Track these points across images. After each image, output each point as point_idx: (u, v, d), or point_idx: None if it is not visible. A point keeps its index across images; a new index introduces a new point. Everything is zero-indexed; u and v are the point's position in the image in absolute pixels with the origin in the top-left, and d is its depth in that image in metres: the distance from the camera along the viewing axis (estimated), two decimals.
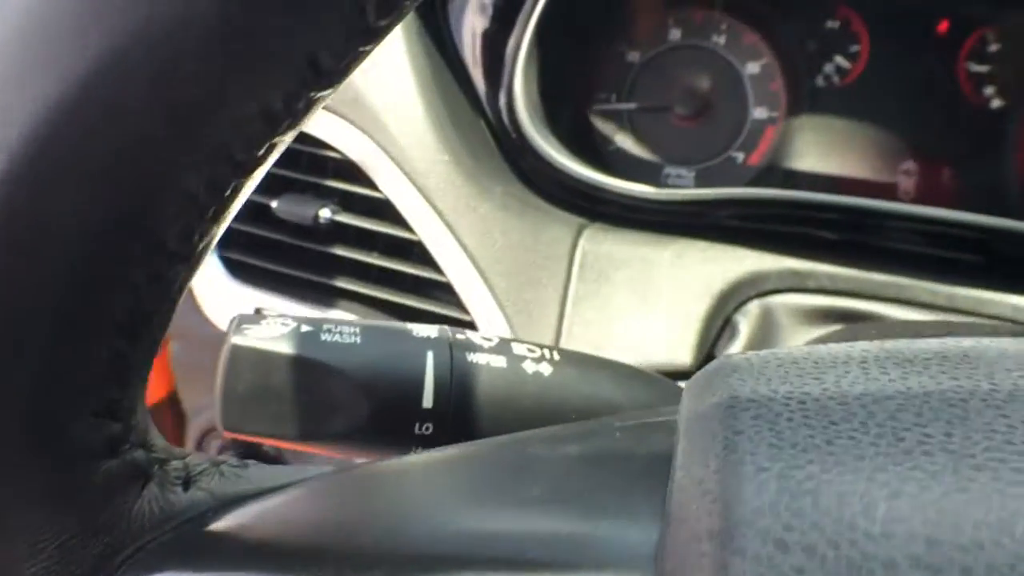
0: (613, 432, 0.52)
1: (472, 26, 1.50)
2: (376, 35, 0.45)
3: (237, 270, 1.62)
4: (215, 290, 1.61)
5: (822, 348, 0.45)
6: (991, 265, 1.45)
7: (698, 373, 0.48)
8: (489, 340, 0.80)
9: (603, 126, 1.73)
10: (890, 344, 0.44)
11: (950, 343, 0.44)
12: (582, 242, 1.37)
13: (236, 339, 0.72)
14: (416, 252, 1.45)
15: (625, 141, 1.72)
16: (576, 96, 1.69)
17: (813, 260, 1.36)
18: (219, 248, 1.61)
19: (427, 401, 0.74)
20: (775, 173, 1.71)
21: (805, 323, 1.34)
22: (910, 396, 0.39)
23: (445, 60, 1.51)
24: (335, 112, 1.46)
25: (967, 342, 0.45)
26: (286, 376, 0.71)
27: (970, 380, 0.40)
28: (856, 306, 1.35)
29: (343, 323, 0.76)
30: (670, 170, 1.72)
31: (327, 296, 1.54)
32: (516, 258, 1.36)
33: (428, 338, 0.77)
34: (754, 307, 1.34)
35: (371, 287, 1.49)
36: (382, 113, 1.43)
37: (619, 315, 1.32)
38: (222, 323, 1.62)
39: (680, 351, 1.29)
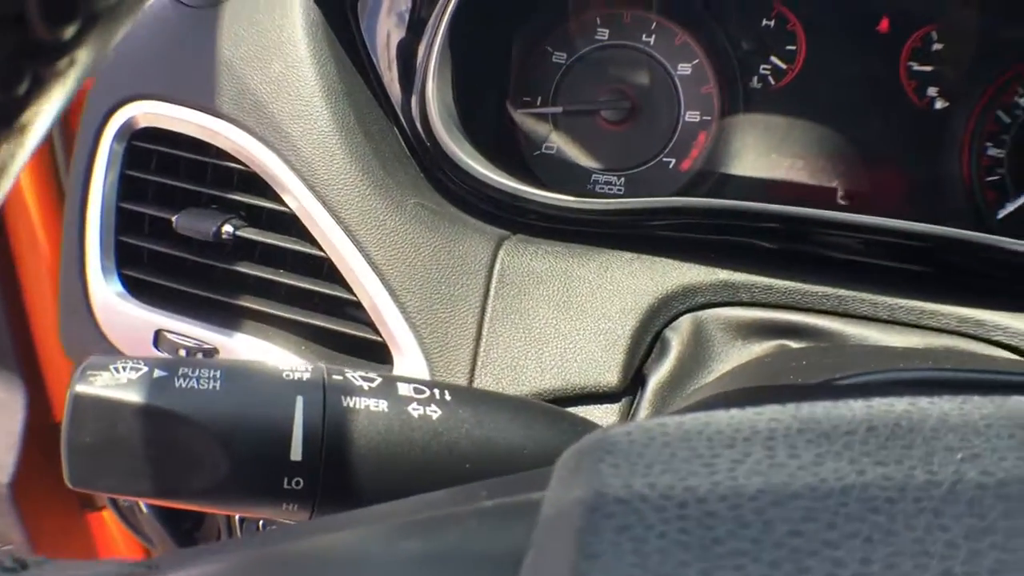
0: (470, 516, 0.43)
1: (385, 29, 1.43)
2: (54, 52, 0.37)
3: (138, 290, 1.52)
4: (115, 312, 1.52)
5: (722, 418, 0.36)
6: (935, 275, 1.39)
7: (571, 449, 0.39)
8: (370, 380, 0.72)
9: (528, 130, 1.66)
10: (806, 412, 0.35)
11: (879, 408, 0.36)
12: (501, 255, 1.29)
13: (79, 387, 0.65)
14: (326, 269, 1.37)
15: (551, 146, 1.65)
16: (498, 100, 1.62)
17: (748, 271, 1.30)
18: (119, 266, 1.51)
19: (296, 453, 0.66)
20: (708, 179, 1.64)
21: (740, 338, 1.28)
22: (822, 495, 0.30)
23: (356, 66, 1.43)
24: (236, 122, 1.38)
25: (900, 405, 0.36)
26: (136, 427, 0.64)
27: (901, 467, 0.31)
28: (794, 319, 1.28)
29: (204, 364, 0.68)
30: (598, 176, 1.65)
31: (232, 317, 1.45)
32: (429, 274, 1.28)
33: (299, 380, 0.69)
34: (686, 322, 1.27)
35: (278, 307, 1.41)
36: (286, 122, 1.35)
37: (540, 334, 1.24)
38: (125, 346, 1.53)
39: (607, 371, 1.22)
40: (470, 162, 1.36)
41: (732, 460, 0.33)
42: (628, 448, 0.35)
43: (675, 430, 0.36)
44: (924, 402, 0.37)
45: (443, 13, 1.36)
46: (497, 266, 1.28)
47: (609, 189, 1.64)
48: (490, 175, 1.36)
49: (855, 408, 0.36)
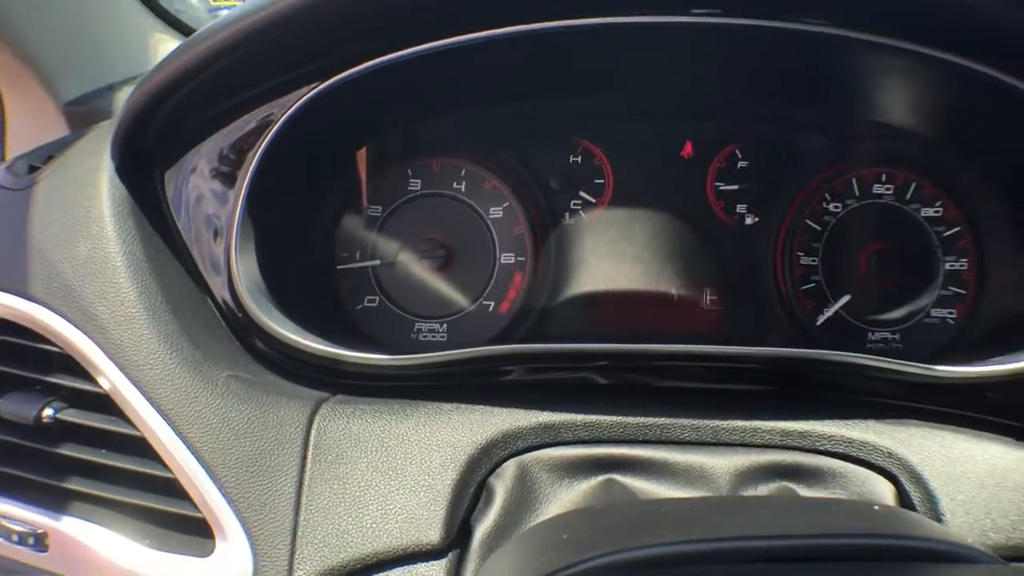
0: None
1: (191, 202, 1.43)
2: None
3: None
4: None
5: None
6: (758, 392, 1.43)
7: None
8: None
9: (349, 285, 1.67)
10: None
11: None
12: (317, 421, 1.29)
13: None
14: (149, 447, 1.35)
15: (373, 299, 1.66)
16: (316, 259, 1.62)
17: (569, 410, 1.31)
18: None
19: None
20: (528, 318, 1.67)
21: (567, 477, 1.29)
22: None
23: (165, 240, 1.43)
24: (48, 305, 1.37)
25: None
26: None
27: None
28: (618, 452, 1.30)
29: None
30: (421, 325, 1.67)
31: (61, 499, 1.42)
32: (244, 448, 1.27)
33: None
34: (510, 468, 1.27)
35: (103, 488, 1.38)
36: (94, 303, 1.34)
37: (360, 497, 1.24)
38: None
39: (429, 528, 1.22)
40: (281, 329, 1.36)
41: None
42: None
43: None
44: None
45: (243, 183, 1.37)
46: (313, 432, 1.27)
47: (433, 337, 1.66)
48: (303, 341, 1.36)
49: None
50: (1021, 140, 1.46)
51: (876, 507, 1.18)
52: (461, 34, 1.36)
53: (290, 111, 1.37)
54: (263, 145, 1.37)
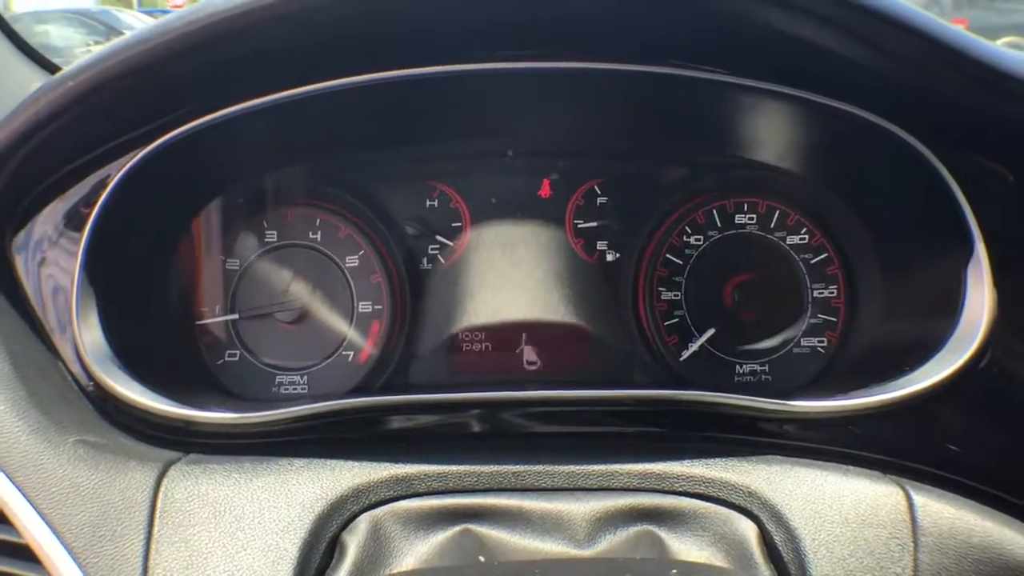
0: None
1: (37, 265, 1.41)
2: None
3: None
4: None
5: None
6: (617, 435, 1.42)
7: None
8: None
9: (208, 341, 1.66)
10: None
11: None
12: (165, 483, 1.28)
13: None
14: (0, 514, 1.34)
15: (233, 353, 1.65)
16: (174, 314, 1.61)
17: (421, 461, 1.30)
18: None
19: None
20: (387, 367, 1.67)
21: (421, 529, 1.28)
22: None
23: (16, 306, 1.41)
24: None
25: None
26: None
27: None
28: (473, 502, 1.29)
29: None
30: (283, 377, 1.66)
31: None
32: (91, 512, 1.25)
33: None
34: (363, 522, 1.26)
35: None
36: None
37: (207, 559, 1.22)
38: None
39: None
40: (128, 393, 1.35)
41: None
42: None
43: None
44: None
45: (80, 247, 1.36)
46: (160, 494, 1.26)
47: (294, 389, 1.65)
48: (152, 403, 1.35)
49: None
50: (879, 170, 1.48)
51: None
52: (304, 85, 1.36)
53: (123, 171, 1.36)
54: (97, 208, 1.36)
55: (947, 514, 1.22)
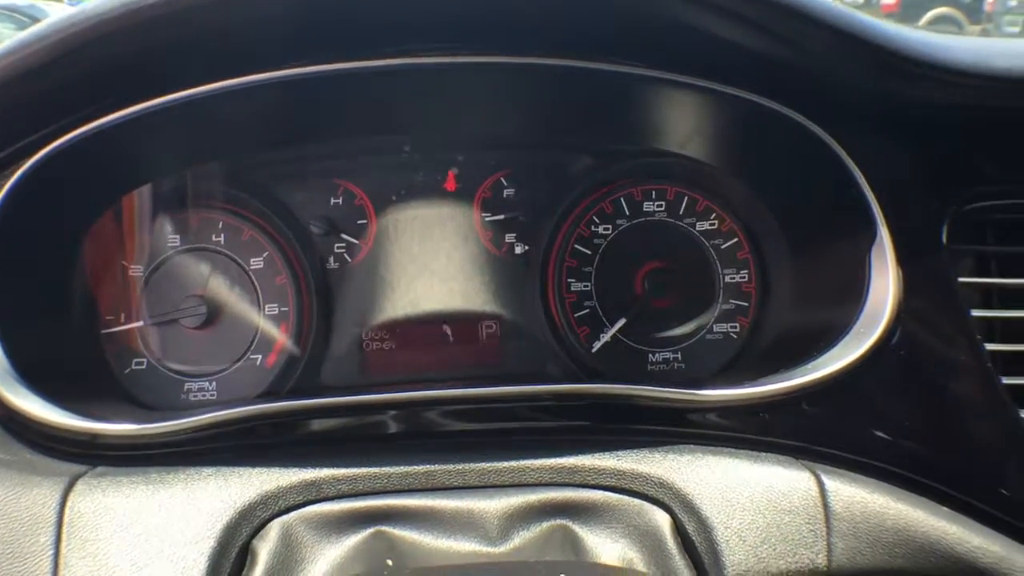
0: None
1: None
2: None
3: None
4: None
5: None
6: (529, 430, 1.41)
7: None
8: None
9: (115, 350, 1.63)
10: None
11: None
12: (72, 498, 1.26)
13: None
14: None
15: (141, 361, 1.63)
16: (78, 324, 1.58)
17: (331, 465, 1.29)
18: None
19: None
20: (295, 370, 1.66)
21: (333, 533, 1.27)
22: None
23: None
24: None
25: None
26: None
27: None
28: (384, 504, 1.28)
29: None
30: (191, 384, 1.64)
31: None
32: None
33: None
34: (273, 528, 1.25)
35: None
36: None
37: (115, 573, 1.20)
38: None
39: None
40: (28, 407, 1.32)
41: None
42: None
43: None
44: None
45: None
46: (67, 510, 1.24)
47: (203, 395, 1.64)
48: (54, 417, 1.32)
49: None
50: (782, 156, 1.49)
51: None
52: (199, 86, 1.34)
53: (16, 178, 1.33)
54: None
55: (859, 498, 1.23)
